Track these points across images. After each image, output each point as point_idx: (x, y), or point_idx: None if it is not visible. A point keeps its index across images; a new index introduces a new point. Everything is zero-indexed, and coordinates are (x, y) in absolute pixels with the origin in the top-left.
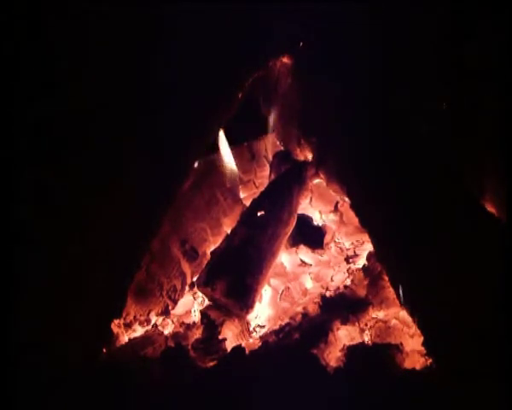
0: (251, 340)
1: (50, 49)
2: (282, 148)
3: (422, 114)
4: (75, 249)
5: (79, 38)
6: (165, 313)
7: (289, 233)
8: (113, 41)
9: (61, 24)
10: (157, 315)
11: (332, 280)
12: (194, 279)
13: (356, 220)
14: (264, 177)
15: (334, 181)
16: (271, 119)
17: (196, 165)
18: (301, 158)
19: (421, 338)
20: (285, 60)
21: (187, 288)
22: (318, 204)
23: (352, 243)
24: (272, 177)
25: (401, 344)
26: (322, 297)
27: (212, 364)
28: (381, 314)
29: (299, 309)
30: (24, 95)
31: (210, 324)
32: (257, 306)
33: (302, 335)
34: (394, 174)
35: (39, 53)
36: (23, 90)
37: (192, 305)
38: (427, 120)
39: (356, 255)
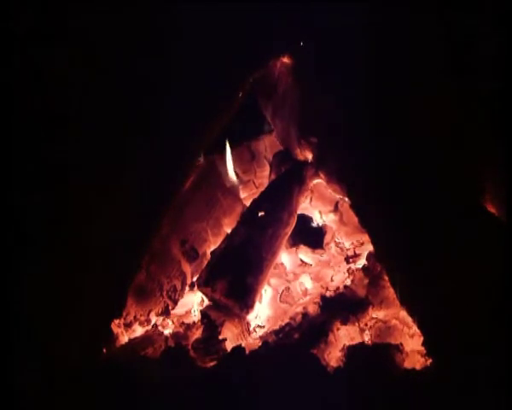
0: (251, 340)
1: (51, 51)
2: (282, 148)
3: (423, 114)
4: (75, 249)
5: (80, 38)
6: (165, 313)
7: (289, 233)
8: (114, 42)
9: (61, 22)
10: (157, 315)
11: (332, 280)
12: (194, 279)
13: (356, 220)
14: (264, 177)
15: (334, 181)
16: (271, 119)
17: (197, 165)
18: (301, 158)
19: (421, 338)
20: (285, 60)
21: (187, 288)
22: (318, 204)
23: (352, 243)
24: (272, 177)
25: (401, 344)
26: (322, 297)
27: (212, 364)
28: (381, 314)
29: (299, 309)
30: (23, 93)
31: (210, 324)
32: (257, 306)
33: (302, 335)
34: (394, 174)
35: (41, 54)
36: (22, 89)
37: (192, 305)
38: (428, 120)
39: (356, 255)
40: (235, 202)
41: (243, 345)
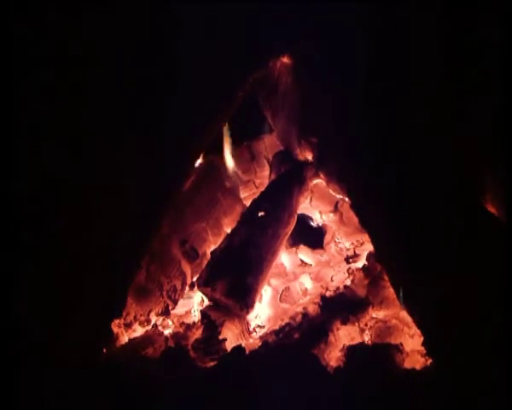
0: (251, 340)
1: (52, 48)
2: (282, 148)
3: (423, 114)
4: (75, 249)
5: (81, 37)
6: (165, 313)
7: (289, 233)
8: (115, 41)
9: (62, 21)
10: (157, 315)
11: (332, 280)
12: (194, 279)
13: (356, 220)
14: (264, 177)
15: (334, 181)
16: (271, 119)
17: (197, 165)
18: (301, 158)
19: (421, 338)
20: (285, 60)
21: (187, 288)
22: (318, 204)
23: (352, 243)
24: (272, 177)
25: (401, 344)
26: (322, 297)
27: (212, 364)
28: (381, 314)
29: (299, 309)
30: (24, 93)
31: (210, 324)
32: (257, 306)
33: (302, 335)
34: (394, 174)
35: (43, 52)
36: (22, 88)
37: (192, 305)
38: (428, 120)
39: (356, 255)
40: (235, 203)
41: (243, 345)
